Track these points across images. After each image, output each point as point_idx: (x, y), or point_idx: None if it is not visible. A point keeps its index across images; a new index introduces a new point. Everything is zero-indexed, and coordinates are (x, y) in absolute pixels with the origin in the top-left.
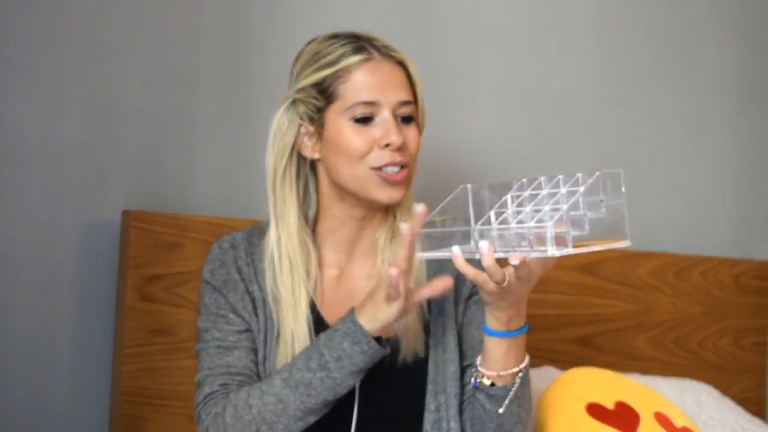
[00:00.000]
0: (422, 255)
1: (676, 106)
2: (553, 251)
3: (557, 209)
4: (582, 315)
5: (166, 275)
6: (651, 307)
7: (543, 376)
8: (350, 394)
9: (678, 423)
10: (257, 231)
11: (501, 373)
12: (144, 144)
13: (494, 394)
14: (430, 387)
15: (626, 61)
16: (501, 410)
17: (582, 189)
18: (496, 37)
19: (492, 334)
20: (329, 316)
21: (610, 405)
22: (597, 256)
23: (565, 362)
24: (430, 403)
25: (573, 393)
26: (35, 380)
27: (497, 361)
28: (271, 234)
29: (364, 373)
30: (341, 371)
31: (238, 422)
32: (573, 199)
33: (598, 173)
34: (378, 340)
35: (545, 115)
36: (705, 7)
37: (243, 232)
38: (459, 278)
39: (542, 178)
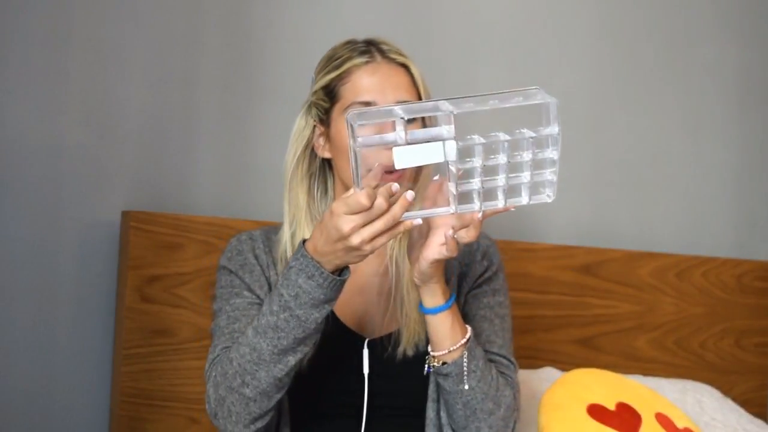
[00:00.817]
0: (411, 215)
1: (677, 106)
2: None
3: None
4: (583, 316)
5: (166, 276)
6: (652, 308)
7: (544, 377)
8: (359, 387)
9: (679, 424)
10: (274, 229)
11: (452, 348)
12: (144, 144)
13: (449, 372)
14: (432, 377)
15: (627, 62)
16: (465, 387)
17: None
18: (497, 38)
19: (437, 311)
20: (338, 308)
21: (611, 406)
22: (598, 256)
23: (566, 363)
24: (432, 393)
25: (574, 394)
26: (35, 381)
27: (446, 337)
28: (285, 228)
29: (330, 304)
30: (302, 308)
31: (224, 378)
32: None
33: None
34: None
35: None
36: (706, 8)
37: (260, 229)
38: (462, 273)
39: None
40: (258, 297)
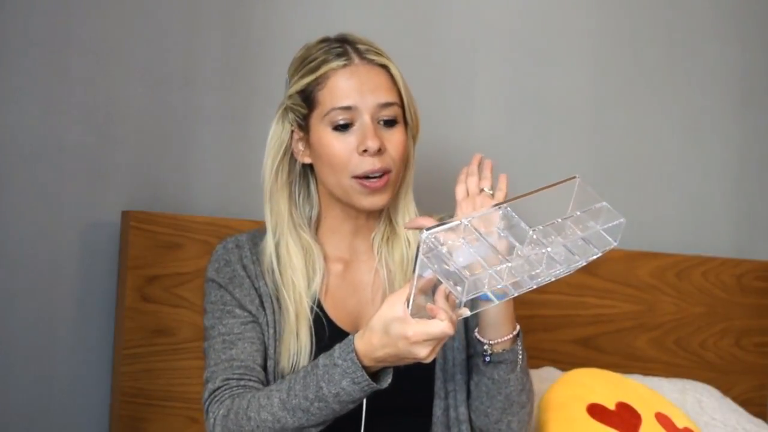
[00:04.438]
0: (467, 312)
1: (678, 106)
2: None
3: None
4: (583, 316)
5: (166, 276)
6: (652, 308)
7: (544, 376)
8: None
9: (679, 424)
10: (260, 233)
11: (513, 333)
12: (144, 144)
13: (505, 359)
14: (439, 374)
15: (627, 62)
16: (512, 375)
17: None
18: (497, 38)
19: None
20: (331, 309)
21: (611, 406)
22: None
23: (566, 363)
24: (440, 390)
25: (574, 394)
26: (35, 381)
27: (508, 321)
28: (268, 239)
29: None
30: (340, 404)
31: (239, 429)
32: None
33: (595, 208)
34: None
35: (546, 116)
36: (706, 8)
37: (246, 234)
38: None
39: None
40: (250, 313)
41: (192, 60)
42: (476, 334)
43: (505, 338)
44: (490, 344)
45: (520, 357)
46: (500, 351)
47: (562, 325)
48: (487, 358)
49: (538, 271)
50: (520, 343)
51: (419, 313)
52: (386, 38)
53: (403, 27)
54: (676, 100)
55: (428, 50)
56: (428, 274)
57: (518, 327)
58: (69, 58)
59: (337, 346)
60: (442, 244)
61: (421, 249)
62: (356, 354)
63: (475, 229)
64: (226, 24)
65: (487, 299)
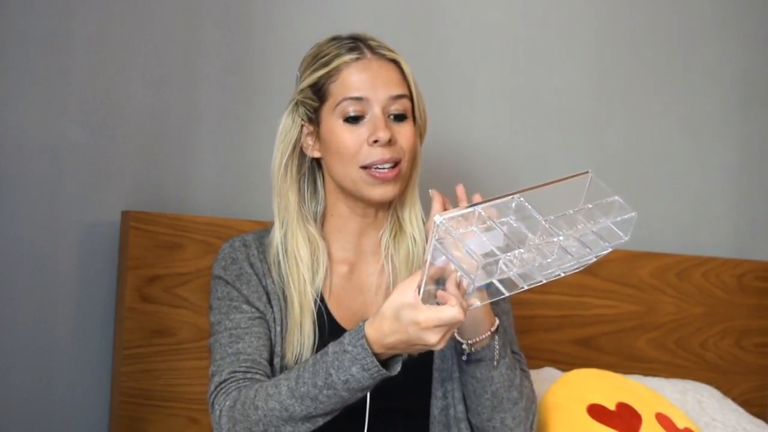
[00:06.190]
0: (477, 304)
1: (678, 106)
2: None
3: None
4: (583, 316)
5: (166, 276)
6: (653, 308)
7: (544, 377)
8: None
9: (680, 424)
10: (266, 233)
11: (491, 330)
12: (144, 144)
13: (483, 357)
14: (436, 374)
15: (627, 62)
16: (495, 372)
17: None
18: (497, 37)
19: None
20: (336, 310)
21: (611, 406)
22: None
23: (566, 363)
24: (437, 390)
25: (574, 394)
26: (35, 381)
27: (484, 320)
28: (276, 231)
29: (374, 385)
30: (349, 391)
31: (246, 419)
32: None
33: (604, 202)
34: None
35: (546, 115)
36: (706, 8)
37: (252, 233)
38: None
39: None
40: (258, 310)
41: (192, 60)
42: (455, 334)
43: (483, 337)
44: (468, 344)
45: (497, 353)
46: (478, 349)
47: (563, 325)
48: (465, 357)
49: (549, 261)
50: (497, 339)
51: (430, 300)
52: (386, 38)
53: (402, 27)
54: (677, 100)
55: (428, 50)
56: (440, 262)
57: (497, 322)
58: (69, 58)
59: (347, 333)
60: (454, 231)
61: (433, 235)
62: (366, 340)
63: (489, 217)
64: (226, 24)
65: (498, 291)
